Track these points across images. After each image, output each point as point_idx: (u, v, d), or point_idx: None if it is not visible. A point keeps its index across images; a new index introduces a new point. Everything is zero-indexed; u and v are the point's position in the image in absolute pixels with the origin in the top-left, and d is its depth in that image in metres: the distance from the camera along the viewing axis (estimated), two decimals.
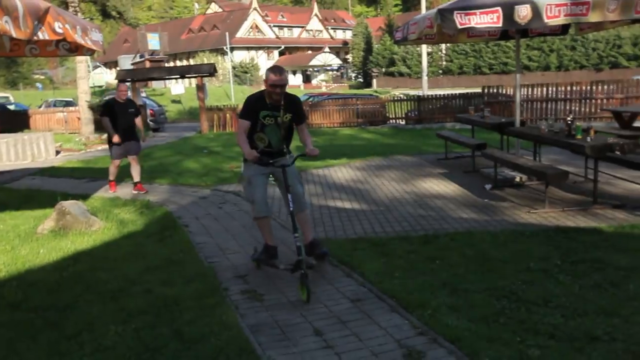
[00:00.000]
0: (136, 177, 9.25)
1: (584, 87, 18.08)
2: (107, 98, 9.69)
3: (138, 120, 9.27)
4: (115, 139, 8.71)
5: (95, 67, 63.08)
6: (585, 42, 39.81)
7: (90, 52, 7.83)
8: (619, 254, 5.40)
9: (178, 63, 63.19)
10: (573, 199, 7.60)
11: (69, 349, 3.79)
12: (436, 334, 3.77)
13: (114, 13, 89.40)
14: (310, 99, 24.90)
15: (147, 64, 23.01)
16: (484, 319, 4.01)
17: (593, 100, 17.65)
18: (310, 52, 71.56)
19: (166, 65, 34.54)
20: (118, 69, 27.87)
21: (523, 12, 6.83)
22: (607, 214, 6.82)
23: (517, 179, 8.54)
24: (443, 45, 43.53)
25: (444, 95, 22.76)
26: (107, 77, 62.32)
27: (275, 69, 5.04)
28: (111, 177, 9.40)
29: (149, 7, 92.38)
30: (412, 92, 31.54)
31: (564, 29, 9.44)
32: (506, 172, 8.71)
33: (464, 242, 5.85)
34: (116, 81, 19.34)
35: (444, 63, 46.65)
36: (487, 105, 15.40)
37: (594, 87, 17.85)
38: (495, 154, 8.58)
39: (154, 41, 25.54)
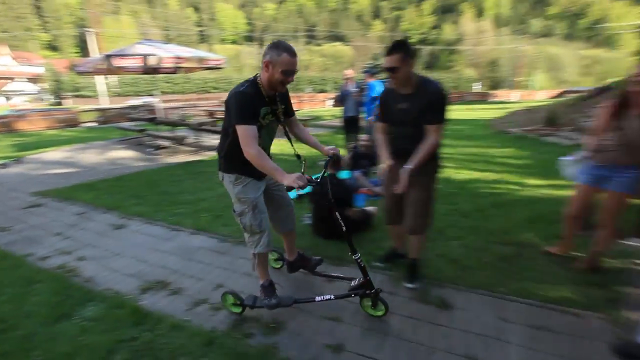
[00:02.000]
0: None
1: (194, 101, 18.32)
2: None
3: None
4: None
5: None
6: (191, 79, 38.40)
7: None
8: (214, 167, 5.91)
9: None
10: (191, 150, 7.74)
11: None
12: (130, 215, 3.82)
13: None
14: (17, 112, 17.92)
15: None
16: (154, 204, 4.13)
17: (199, 107, 17.95)
18: (7, 80, 49.66)
19: None
20: None
21: (152, 60, 6.68)
22: (195, 152, 7.36)
23: (164, 144, 8.28)
24: (116, 77, 36.23)
25: (119, 106, 19.77)
26: None
27: (289, 48, 1.72)
28: None
29: None
30: (97, 106, 25.79)
31: (175, 70, 9.34)
32: (159, 142, 8.44)
33: (140, 176, 5.62)
34: None
35: (118, 89, 39.03)
36: (146, 110, 14.08)
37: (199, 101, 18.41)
38: (150, 132, 8.29)
39: None
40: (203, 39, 64.24)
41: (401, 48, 1.94)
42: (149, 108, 16.52)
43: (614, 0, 54.76)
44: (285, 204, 2.17)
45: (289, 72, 1.72)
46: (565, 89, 31.11)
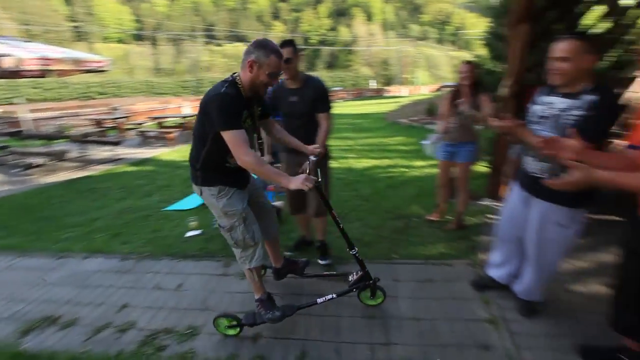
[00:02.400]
0: None
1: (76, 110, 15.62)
2: None
3: None
4: None
5: None
6: (69, 84, 32.73)
7: None
8: (108, 182, 5.34)
9: None
10: (75, 166, 6.67)
11: None
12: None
13: None
14: None
15: None
16: (30, 233, 3.48)
17: (82, 116, 15.37)
18: None
19: None
20: None
21: (8, 61, 5.49)
22: (81, 168, 6.44)
23: (36, 162, 6.82)
24: None
25: None
26: None
27: (278, 49, 1.58)
28: None
29: None
30: None
31: (43, 74, 7.86)
32: (29, 159, 6.92)
33: (6, 202, 4.59)
34: None
35: None
36: (6, 123, 11.45)
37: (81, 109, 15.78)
38: (15, 150, 6.84)
39: None
40: (80, 36, 55.18)
41: (292, 43, 2.17)
42: (11, 120, 13.54)
43: (468, 12, 66.58)
44: (268, 209, 2.05)
45: (276, 74, 1.59)
46: (442, 84, 36.51)
